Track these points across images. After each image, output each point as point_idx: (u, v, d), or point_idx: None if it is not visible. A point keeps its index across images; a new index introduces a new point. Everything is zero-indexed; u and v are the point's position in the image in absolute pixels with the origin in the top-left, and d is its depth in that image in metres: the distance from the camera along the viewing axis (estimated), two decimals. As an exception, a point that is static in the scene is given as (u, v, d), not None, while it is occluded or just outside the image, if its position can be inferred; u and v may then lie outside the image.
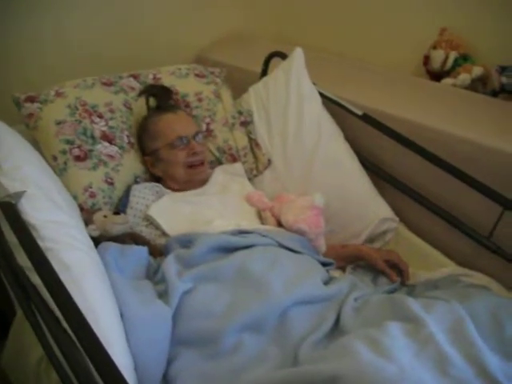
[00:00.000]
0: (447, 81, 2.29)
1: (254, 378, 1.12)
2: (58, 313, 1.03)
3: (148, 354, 1.17)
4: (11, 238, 1.20)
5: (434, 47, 2.35)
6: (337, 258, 1.72)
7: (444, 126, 1.81)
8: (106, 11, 2.38)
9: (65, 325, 1.02)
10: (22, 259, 1.16)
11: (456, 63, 2.29)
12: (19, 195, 1.18)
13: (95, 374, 0.91)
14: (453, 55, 2.29)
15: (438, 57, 2.32)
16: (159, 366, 1.20)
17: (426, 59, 2.40)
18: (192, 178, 1.84)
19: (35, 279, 1.10)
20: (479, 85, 2.25)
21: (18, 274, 1.18)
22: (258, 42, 2.85)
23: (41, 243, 1.12)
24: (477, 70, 2.23)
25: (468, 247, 1.75)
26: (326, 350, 1.16)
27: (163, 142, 1.82)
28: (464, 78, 2.23)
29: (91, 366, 0.93)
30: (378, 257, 1.67)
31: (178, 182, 1.84)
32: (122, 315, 1.20)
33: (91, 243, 1.38)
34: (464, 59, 2.29)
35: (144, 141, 1.88)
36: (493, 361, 1.10)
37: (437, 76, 2.38)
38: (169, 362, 1.23)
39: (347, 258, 1.74)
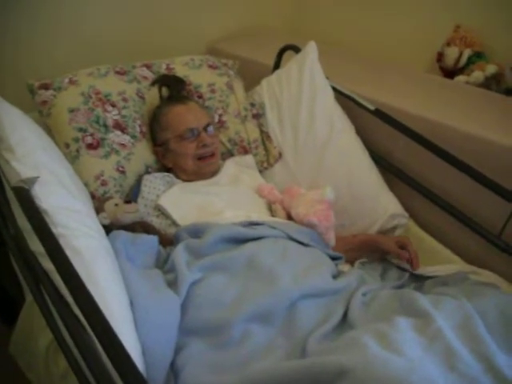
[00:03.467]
0: (460, 78, 2.29)
1: (261, 369, 1.12)
2: (68, 298, 1.04)
3: (156, 341, 1.17)
4: (23, 223, 1.21)
5: (448, 44, 2.34)
6: (347, 247, 1.72)
7: (455, 123, 1.81)
8: (118, 1, 2.38)
9: (75, 310, 1.03)
10: (34, 244, 1.17)
11: (470, 61, 2.30)
12: (32, 181, 1.18)
13: (104, 357, 0.92)
14: (467, 52, 2.29)
15: (451, 54, 2.32)
16: (167, 354, 1.20)
17: (440, 56, 2.39)
18: (201, 169, 1.84)
19: (47, 264, 1.10)
20: (493, 83, 2.24)
21: (29, 259, 1.19)
22: (271, 35, 2.84)
23: (53, 229, 1.12)
24: (490, 68, 2.23)
25: (477, 245, 1.75)
26: (333, 343, 1.16)
27: (173, 134, 1.82)
28: (477, 75, 2.22)
29: (100, 351, 0.93)
30: (389, 239, 1.70)
31: (187, 174, 1.84)
32: (131, 303, 1.21)
33: (102, 231, 1.39)
34: (478, 57, 2.29)
35: (155, 131, 1.89)
36: (501, 357, 1.10)
37: (450, 73, 2.37)
38: (177, 351, 1.23)
39: (358, 248, 1.74)
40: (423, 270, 1.66)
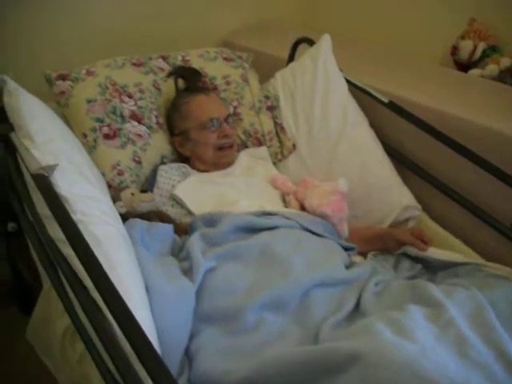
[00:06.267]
0: (475, 71, 2.28)
1: (274, 354, 1.13)
2: (87, 283, 1.06)
3: (171, 327, 1.19)
4: (42, 210, 1.24)
5: (463, 37, 2.33)
6: (360, 239, 1.73)
7: (470, 116, 1.80)
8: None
9: (93, 294, 1.05)
10: (53, 231, 1.19)
11: (484, 54, 2.28)
12: (52, 168, 1.20)
13: (121, 340, 0.94)
14: (481, 46, 2.27)
15: (466, 47, 2.31)
16: (181, 339, 1.22)
17: (454, 49, 2.38)
18: (220, 160, 1.86)
19: (66, 250, 1.12)
20: (507, 76, 2.23)
21: (48, 245, 1.21)
22: (285, 28, 2.84)
23: (72, 215, 1.14)
24: (505, 62, 2.22)
25: (490, 237, 1.75)
26: (346, 330, 1.18)
27: (195, 123, 1.84)
28: (492, 68, 2.22)
29: (118, 334, 0.95)
30: (404, 230, 1.70)
31: (205, 163, 1.86)
32: (147, 289, 1.23)
33: (119, 219, 1.41)
34: (492, 50, 2.28)
35: (174, 120, 1.90)
36: (512, 346, 1.11)
37: (464, 66, 2.36)
38: (191, 337, 1.25)
39: (372, 240, 1.74)
40: (435, 253, 1.64)
